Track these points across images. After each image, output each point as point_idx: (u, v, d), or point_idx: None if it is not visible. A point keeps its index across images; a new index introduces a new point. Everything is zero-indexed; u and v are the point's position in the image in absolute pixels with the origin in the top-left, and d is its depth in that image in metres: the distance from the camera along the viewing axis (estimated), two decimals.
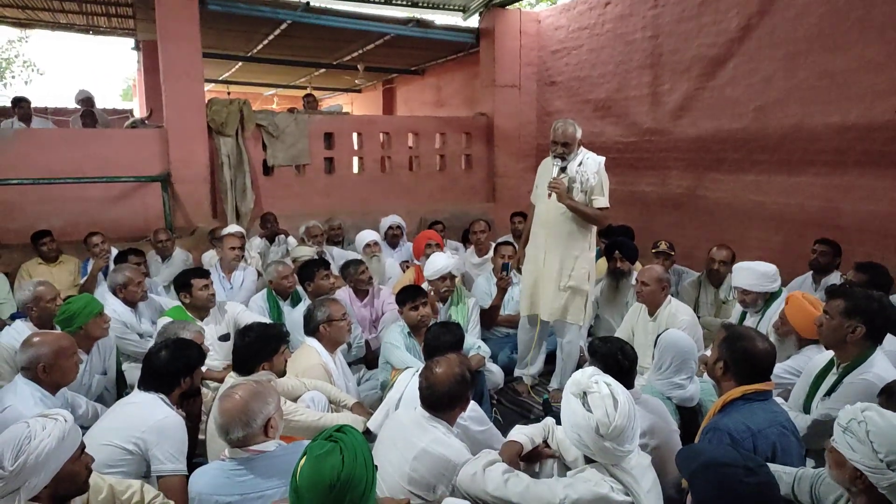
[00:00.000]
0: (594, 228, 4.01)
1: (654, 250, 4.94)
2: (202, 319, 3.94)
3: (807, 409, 2.80)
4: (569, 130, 3.88)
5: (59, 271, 5.24)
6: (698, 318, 4.19)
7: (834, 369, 2.76)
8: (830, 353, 2.81)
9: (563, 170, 3.89)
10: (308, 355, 3.41)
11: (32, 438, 1.82)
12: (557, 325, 4.12)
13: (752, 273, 3.82)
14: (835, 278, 4.35)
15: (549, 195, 3.88)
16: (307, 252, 5.24)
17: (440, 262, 4.32)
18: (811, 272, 4.44)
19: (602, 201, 3.85)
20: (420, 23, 8.11)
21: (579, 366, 4.18)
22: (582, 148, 3.96)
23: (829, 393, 2.70)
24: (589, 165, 3.87)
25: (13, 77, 21.75)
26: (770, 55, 5.40)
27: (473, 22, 8.52)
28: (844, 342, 2.67)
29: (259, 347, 2.90)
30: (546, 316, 4.07)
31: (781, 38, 5.30)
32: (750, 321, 3.87)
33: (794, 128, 5.27)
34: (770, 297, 3.78)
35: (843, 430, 1.80)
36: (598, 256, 5.81)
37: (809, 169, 5.20)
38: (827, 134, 5.03)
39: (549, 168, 4.01)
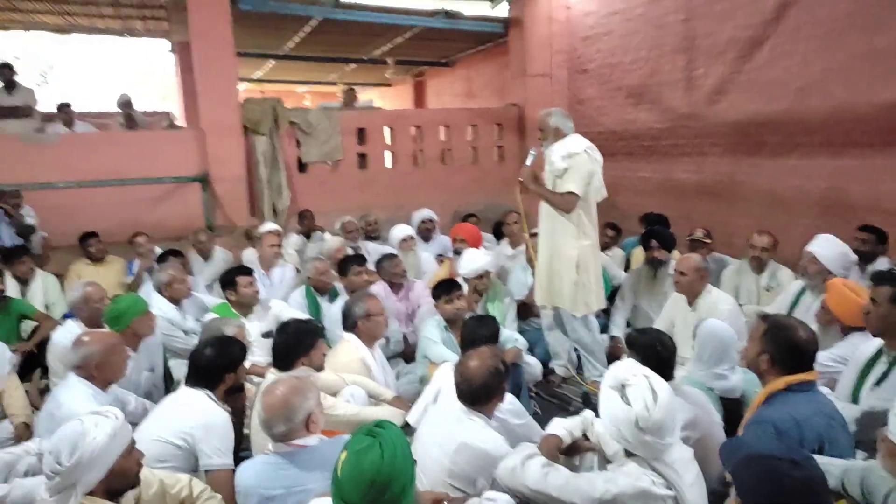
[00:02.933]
0: (585, 216, 3.90)
1: (689, 237, 4.86)
2: (246, 316, 4.03)
3: (855, 399, 2.74)
4: (541, 117, 3.98)
5: (107, 271, 5.40)
6: (740, 306, 4.11)
7: (883, 357, 2.69)
8: (878, 341, 2.73)
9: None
10: (347, 351, 3.46)
11: (86, 435, 1.89)
12: (564, 317, 4.10)
13: (834, 246, 3.72)
14: (883, 264, 4.20)
15: (520, 181, 4.04)
16: (336, 242, 5.30)
17: (475, 262, 4.27)
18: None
19: (566, 185, 3.79)
20: (448, 14, 8.09)
21: (610, 356, 4.18)
22: (573, 135, 3.91)
23: (878, 382, 2.63)
24: (557, 150, 3.85)
25: (55, 82, 22.39)
26: (809, 35, 5.23)
27: (502, 11, 8.46)
28: (894, 330, 2.60)
29: (296, 343, 2.96)
30: (539, 299, 4.15)
31: (820, 16, 5.12)
32: (804, 303, 3.77)
33: (837, 109, 5.10)
34: None
35: None
36: (633, 246, 5.81)
37: (854, 151, 5.03)
38: (871, 114, 4.85)
39: (531, 157, 4.12)
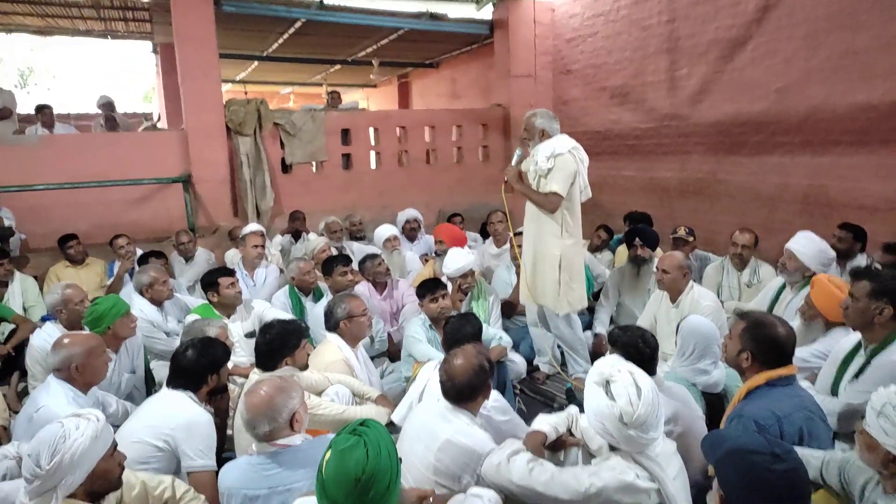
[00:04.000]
0: (569, 215, 3.92)
1: (672, 236, 4.90)
2: (229, 317, 4.00)
3: (834, 392, 2.77)
4: (525, 116, 4.02)
5: (87, 273, 5.34)
6: (721, 303, 4.15)
7: (861, 351, 2.73)
8: (858, 336, 2.77)
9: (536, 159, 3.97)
10: (330, 351, 3.45)
11: (67, 438, 1.87)
12: (547, 314, 4.12)
13: (811, 243, 3.77)
14: (861, 260, 4.27)
15: (505, 180, 4.10)
16: (320, 242, 5.28)
17: (459, 261, 4.27)
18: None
19: (549, 185, 3.81)
20: (433, 16, 8.08)
21: (594, 353, 4.20)
22: (558, 136, 3.92)
23: (857, 375, 2.67)
24: (541, 150, 3.87)
25: (35, 84, 22.15)
26: (790, 35, 5.30)
27: (487, 13, 8.47)
28: (872, 324, 2.64)
29: (280, 343, 2.93)
30: (525, 296, 4.17)
31: (801, 17, 5.19)
32: (785, 300, 3.81)
33: (817, 108, 5.17)
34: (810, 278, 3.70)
35: (876, 414, 1.78)
36: (617, 244, 5.85)
37: (833, 149, 5.10)
38: (851, 113, 4.92)
39: (516, 157, 4.15)
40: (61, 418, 1.97)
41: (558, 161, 3.80)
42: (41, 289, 5.05)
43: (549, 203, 3.83)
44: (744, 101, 5.78)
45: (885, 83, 4.66)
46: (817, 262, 3.72)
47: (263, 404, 2.16)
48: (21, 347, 4.04)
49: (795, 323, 3.37)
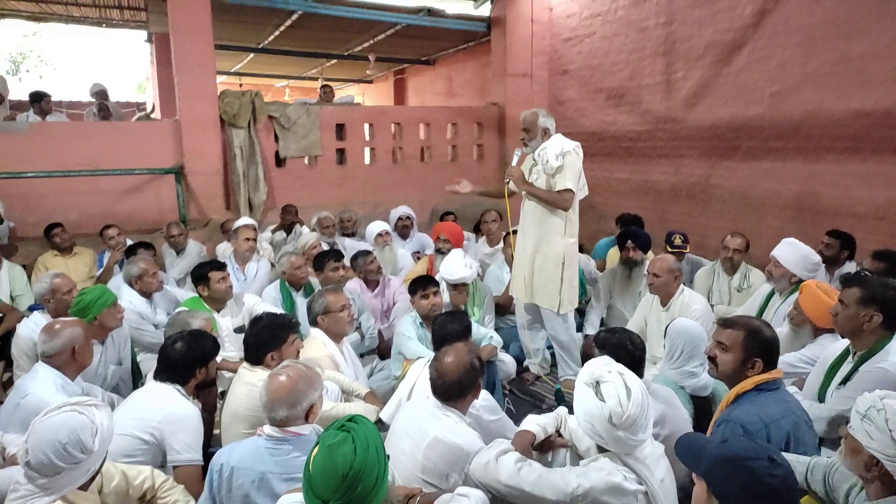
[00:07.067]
0: (571, 214, 3.96)
1: (669, 248, 4.89)
2: (219, 311, 3.98)
3: (821, 397, 2.78)
4: (526, 116, 4.01)
5: (75, 263, 5.30)
6: (712, 306, 4.16)
7: (849, 358, 2.73)
8: (846, 342, 2.78)
9: (535, 158, 4.00)
10: (315, 346, 3.41)
11: (95, 420, 1.93)
12: (543, 314, 4.13)
13: (794, 250, 3.79)
14: (850, 268, 4.30)
15: (507, 182, 4.09)
16: (312, 237, 5.27)
17: (456, 272, 4.11)
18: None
19: (562, 183, 3.84)
20: (431, 12, 8.06)
21: (585, 354, 4.20)
22: (557, 135, 3.98)
23: (844, 382, 2.68)
24: (550, 149, 3.89)
25: (27, 72, 21.93)
26: (785, 41, 5.32)
27: (485, 10, 8.47)
28: (861, 331, 2.65)
29: (268, 337, 2.91)
30: (518, 295, 4.17)
31: (797, 23, 5.21)
32: (773, 305, 3.83)
33: (811, 114, 5.20)
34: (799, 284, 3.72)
35: (861, 418, 1.78)
36: (610, 245, 5.86)
37: (826, 156, 5.13)
38: (844, 120, 4.95)
39: (516, 157, 4.17)
40: (70, 405, 1.96)
41: (567, 159, 3.84)
42: (29, 278, 5.01)
43: (564, 201, 3.87)
44: (738, 105, 5.81)
45: (879, 91, 4.69)
46: (801, 268, 3.74)
47: (285, 390, 2.17)
48: (7, 336, 3.99)
49: (784, 328, 3.40)
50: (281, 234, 6.22)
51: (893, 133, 4.64)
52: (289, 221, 6.28)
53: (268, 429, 2.19)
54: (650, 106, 6.84)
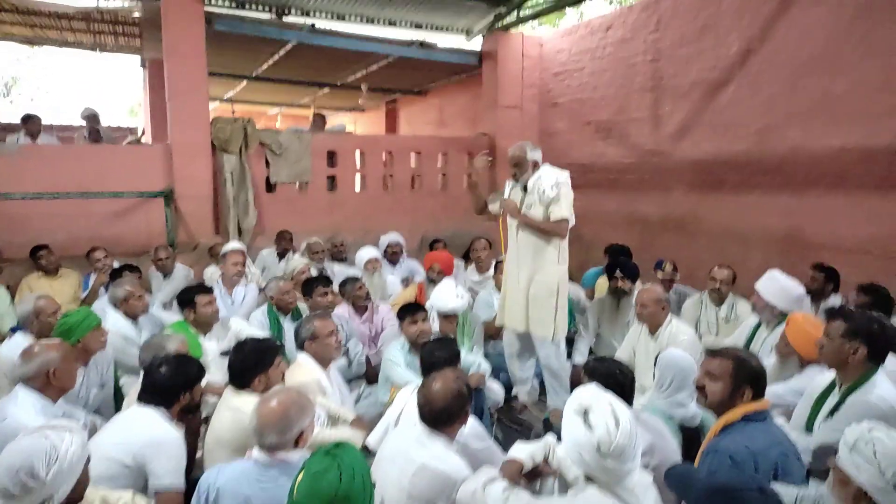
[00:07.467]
0: (563, 242, 4.04)
1: (660, 278, 4.93)
2: (205, 335, 3.94)
3: (809, 429, 2.79)
4: (515, 152, 4.09)
5: (61, 285, 5.24)
6: (699, 337, 4.18)
7: (836, 390, 2.75)
8: (832, 374, 2.80)
9: (524, 189, 4.05)
10: (301, 371, 3.38)
11: (59, 446, 1.85)
12: (536, 342, 4.13)
13: (774, 283, 3.83)
14: (835, 301, 4.34)
15: (502, 213, 4.17)
16: (300, 263, 5.26)
17: (448, 304, 4.11)
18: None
19: (558, 213, 3.91)
20: (424, 45, 8.20)
21: (573, 382, 4.19)
22: (545, 165, 4.07)
23: (831, 413, 2.69)
24: (545, 179, 3.96)
25: (19, 94, 21.97)
26: (771, 78, 5.45)
27: (476, 44, 8.62)
28: (846, 363, 2.66)
29: (254, 361, 2.88)
30: (513, 325, 4.16)
31: (782, 61, 5.35)
32: (760, 337, 3.85)
33: (796, 150, 5.30)
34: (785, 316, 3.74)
35: (849, 450, 1.79)
36: (598, 275, 5.88)
37: (811, 191, 5.22)
38: (828, 156, 5.05)
39: (509, 188, 4.23)
40: (40, 429, 1.92)
41: (562, 189, 3.92)
42: (13, 299, 4.94)
43: (561, 230, 3.94)
44: (724, 140, 5.92)
45: (861, 128, 4.80)
46: (782, 301, 3.78)
47: (276, 415, 2.15)
48: None
49: (771, 360, 3.42)
50: (273, 256, 6.22)
51: (875, 169, 4.74)
52: (283, 248, 6.28)
53: (256, 453, 2.16)
54: (638, 139, 6.95)
